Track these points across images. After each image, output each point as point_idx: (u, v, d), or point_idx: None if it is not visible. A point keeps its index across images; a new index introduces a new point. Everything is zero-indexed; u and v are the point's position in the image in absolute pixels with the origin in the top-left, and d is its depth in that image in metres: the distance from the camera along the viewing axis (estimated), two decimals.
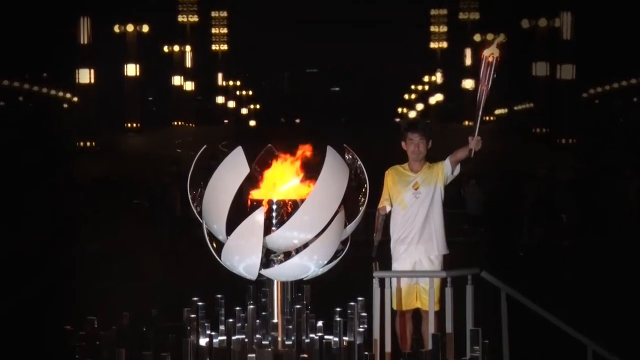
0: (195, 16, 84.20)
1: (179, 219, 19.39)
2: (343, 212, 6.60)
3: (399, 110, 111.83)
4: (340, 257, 6.76)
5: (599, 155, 35.94)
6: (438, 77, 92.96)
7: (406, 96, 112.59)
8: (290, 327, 6.65)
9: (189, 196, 6.81)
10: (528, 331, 9.53)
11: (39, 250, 17.43)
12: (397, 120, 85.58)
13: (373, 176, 7.24)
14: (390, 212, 8.52)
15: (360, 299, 6.99)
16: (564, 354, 9.18)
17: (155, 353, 6.22)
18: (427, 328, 7.98)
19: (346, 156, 6.92)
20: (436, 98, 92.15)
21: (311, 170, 6.74)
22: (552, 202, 20.60)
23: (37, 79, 60.64)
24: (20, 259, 16.46)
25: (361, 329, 6.78)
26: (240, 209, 6.56)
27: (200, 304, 6.93)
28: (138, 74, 62.23)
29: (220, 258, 6.60)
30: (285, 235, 6.51)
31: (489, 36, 66.13)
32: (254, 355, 6.18)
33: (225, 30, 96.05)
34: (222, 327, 6.80)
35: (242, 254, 6.50)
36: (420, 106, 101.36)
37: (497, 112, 76.02)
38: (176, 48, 76.54)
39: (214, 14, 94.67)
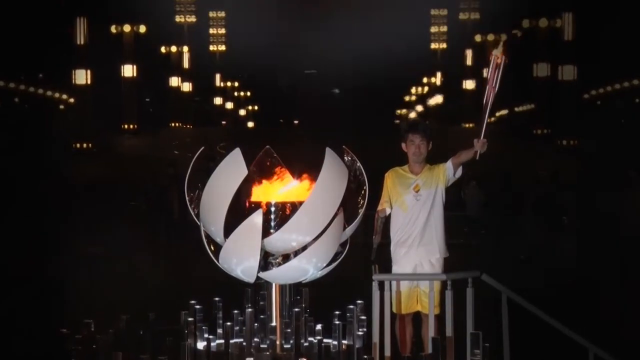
0: (193, 16, 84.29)
1: (176, 221, 19.35)
2: (342, 214, 6.57)
3: (398, 112, 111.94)
4: (339, 259, 6.73)
5: (600, 157, 35.95)
6: (438, 78, 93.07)
7: (406, 97, 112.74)
8: (289, 330, 6.62)
9: (187, 198, 6.77)
10: (529, 334, 9.48)
11: (32, 254, 17.33)
12: (397, 121, 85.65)
13: (372, 178, 7.20)
14: (390, 214, 8.47)
15: (359, 302, 6.96)
16: (565, 357, 9.13)
17: (152, 356, 6.20)
18: (427, 331, 7.93)
19: (345, 158, 6.89)
20: (436, 100, 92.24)
21: (310, 172, 6.70)
22: (553, 204, 20.55)
23: (33, 80, 60.56)
24: (14, 264, 16.37)
25: (360, 333, 6.76)
26: (238, 211, 6.53)
27: (197, 307, 6.92)
28: (135, 74, 62.24)
29: (218, 261, 6.58)
30: (283, 238, 6.49)
31: (490, 36, 66.43)
32: (252, 359, 6.15)
33: (223, 31, 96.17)
34: (220, 331, 6.79)
35: (240, 257, 6.48)
36: (419, 107, 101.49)
37: (498, 113, 76.08)
38: (173, 49, 76.60)
39: (211, 14, 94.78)
